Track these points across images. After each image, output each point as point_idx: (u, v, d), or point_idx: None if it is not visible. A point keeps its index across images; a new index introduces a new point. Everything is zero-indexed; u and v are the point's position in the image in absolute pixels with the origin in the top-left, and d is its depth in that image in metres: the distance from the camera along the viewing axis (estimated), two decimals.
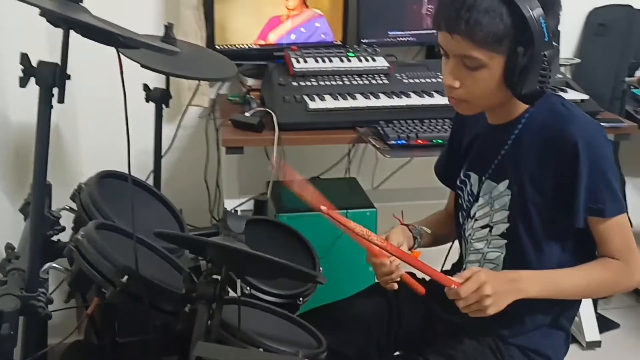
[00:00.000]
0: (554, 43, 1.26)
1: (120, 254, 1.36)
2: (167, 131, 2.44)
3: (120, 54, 1.40)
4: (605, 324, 2.49)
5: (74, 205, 1.67)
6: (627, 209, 1.38)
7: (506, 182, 1.40)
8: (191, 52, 1.72)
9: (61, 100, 1.16)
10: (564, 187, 1.32)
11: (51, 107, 1.18)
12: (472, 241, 1.49)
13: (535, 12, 1.22)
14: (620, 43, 2.48)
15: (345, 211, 2.24)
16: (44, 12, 1.08)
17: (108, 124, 2.45)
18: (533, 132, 1.37)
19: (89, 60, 1.84)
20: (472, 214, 1.49)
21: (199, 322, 1.18)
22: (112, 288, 1.31)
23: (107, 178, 1.68)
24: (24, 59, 1.15)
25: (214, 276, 1.19)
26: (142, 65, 1.60)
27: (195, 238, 1.24)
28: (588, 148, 1.29)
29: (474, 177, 1.49)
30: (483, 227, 1.46)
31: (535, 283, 1.32)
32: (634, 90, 2.45)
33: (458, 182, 1.55)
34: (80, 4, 1.13)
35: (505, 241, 1.42)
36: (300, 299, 1.64)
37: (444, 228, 1.64)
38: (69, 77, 1.17)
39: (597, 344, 2.40)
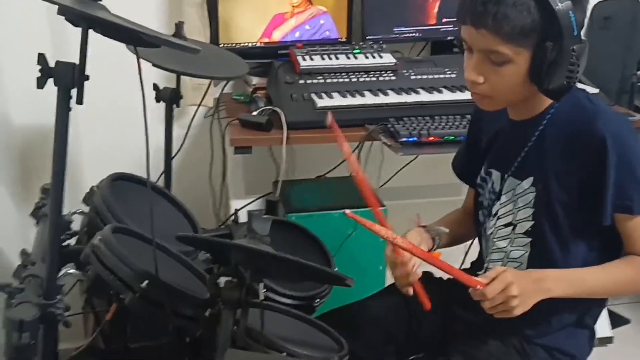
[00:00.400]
0: (582, 38, 1.23)
1: (138, 259, 1.33)
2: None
3: (133, 53, 1.38)
4: (616, 320, 2.48)
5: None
6: None
7: (530, 179, 1.38)
8: (202, 51, 1.67)
9: (80, 101, 1.13)
10: (591, 183, 1.30)
11: (69, 109, 1.15)
12: (494, 240, 1.47)
13: (564, 5, 1.19)
14: (625, 36, 2.47)
15: (355, 210, 2.22)
16: (63, 10, 1.04)
17: (111, 124, 2.43)
18: (558, 128, 1.35)
19: (93, 59, 1.81)
20: (494, 212, 1.46)
21: (225, 328, 1.15)
22: (131, 294, 1.28)
23: (119, 180, 1.64)
24: (41, 59, 1.12)
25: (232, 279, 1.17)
26: (154, 65, 1.56)
27: (220, 241, 1.21)
28: (616, 142, 1.27)
29: (495, 175, 1.46)
30: (506, 226, 1.43)
31: (561, 282, 1.30)
32: None
33: (479, 180, 1.53)
34: (99, 2, 1.10)
35: (530, 239, 1.40)
36: (317, 300, 1.62)
37: (462, 227, 1.61)
38: (87, 77, 1.14)
39: (609, 340, 2.39)
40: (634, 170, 1.30)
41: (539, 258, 1.39)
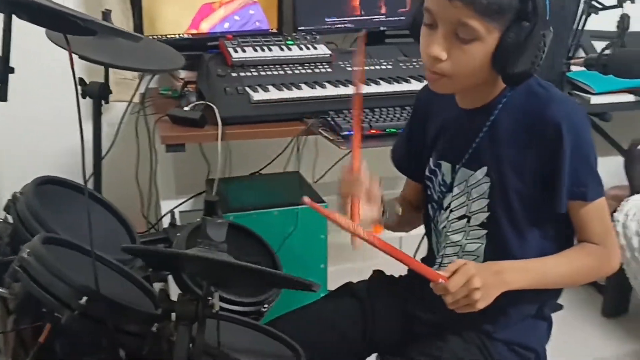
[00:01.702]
0: (550, 27, 1.20)
1: (74, 272, 1.19)
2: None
3: (55, 43, 1.24)
4: None
5: None
6: None
7: (484, 169, 1.34)
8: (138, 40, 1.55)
9: (3, 98, 0.99)
10: (546, 170, 1.27)
11: None
12: (447, 234, 1.42)
13: None
14: (553, 27, 2.49)
15: (295, 207, 2.15)
16: None
17: (30, 123, 2.25)
18: (511, 115, 1.31)
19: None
20: (445, 205, 1.42)
21: (181, 345, 1.05)
22: (69, 312, 1.15)
23: (45, 184, 1.49)
24: None
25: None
26: (82, 57, 1.42)
27: (172, 252, 1.10)
28: (571, 129, 1.24)
29: (445, 166, 1.41)
30: (460, 218, 1.39)
31: (520, 274, 1.27)
32: (568, 74, 2.48)
33: (427, 172, 1.47)
34: None
35: (486, 231, 1.36)
36: (265, 305, 1.53)
37: (406, 214, 1.55)
38: (12, 70, 1.00)
39: None
40: (588, 156, 1.28)
41: (495, 250, 1.36)
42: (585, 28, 2.50)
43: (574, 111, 1.28)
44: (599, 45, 2.58)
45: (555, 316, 1.50)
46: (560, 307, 1.82)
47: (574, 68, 2.45)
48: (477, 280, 1.19)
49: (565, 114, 1.26)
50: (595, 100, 2.43)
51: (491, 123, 1.32)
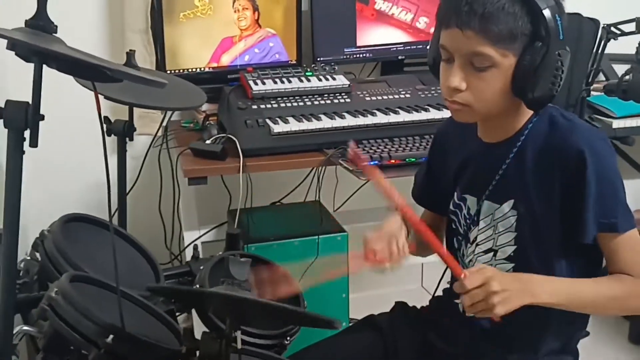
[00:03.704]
0: (566, 46, 1.21)
1: (100, 310, 1.22)
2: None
3: (82, 84, 1.28)
4: None
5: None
6: None
7: (511, 202, 1.33)
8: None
9: (34, 144, 1.02)
10: (572, 201, 1.25)
11: (23, 152, 1.03)
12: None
13: (551, 8, 1.17)
14: (572, 51, 2.49)
15: (316, 237, 2.16)
16: (14, 44, 0.94)
17: (56, 162, 2.29)
18: (535, 147, 1.30)
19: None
20: (471, 238, 1.42)
21: None
22: (95, 350, 1.17)
23: (72, 222, 1.52)
24: None
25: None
26: (107, 98, 1.46)
27: (197, 291, 1.12)
28: (594, 157, 1.23)
29: (470, 200, 1.42)
30: (486, 252, 1.39)
31: (548, 287, 1.23)
32: (589, 98, 2.48)
33: (452, 207, 1.48)
34: (54, 35, 0.99)
35: (513, 264, 1.35)
36: (288, 338, 1.54)
37: (424, 246, 1.55)
38: (42, 117, 1.03)
39: None
40: (614, 184, 1.26)
41: None
42: (606, 52, 2.51)
43: (597, 139, 1.27)
44: (619, 68, 2.58)
45: (582, 342, 1.47)
46: (587, 333, 1.79)
47: (594, 93, 2.45)
48: (496, 283, 1.16)
49: (588, 141, 1.25)
50: (617, 124, 2.42)
51: (515, 155, 1.32)
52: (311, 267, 2.15)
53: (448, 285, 1.55)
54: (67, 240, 1.43)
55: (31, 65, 1.01)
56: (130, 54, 1.65)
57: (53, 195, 2.29)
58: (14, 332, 1.19)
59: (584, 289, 1.27)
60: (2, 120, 1.02)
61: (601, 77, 2.66)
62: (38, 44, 0.92)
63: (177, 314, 1.65)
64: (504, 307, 1.17)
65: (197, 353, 1.14)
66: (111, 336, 1.16)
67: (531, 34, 1.19)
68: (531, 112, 1.31)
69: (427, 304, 1.59)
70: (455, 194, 1.46)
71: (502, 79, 1.22)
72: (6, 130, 1.03)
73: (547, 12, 1.17)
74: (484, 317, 1.22)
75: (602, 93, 2.24)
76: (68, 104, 2.04)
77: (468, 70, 1.22)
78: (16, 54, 0.98)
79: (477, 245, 1.41)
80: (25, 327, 1.23)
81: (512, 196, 1.33)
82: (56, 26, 1.03)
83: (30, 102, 1.01)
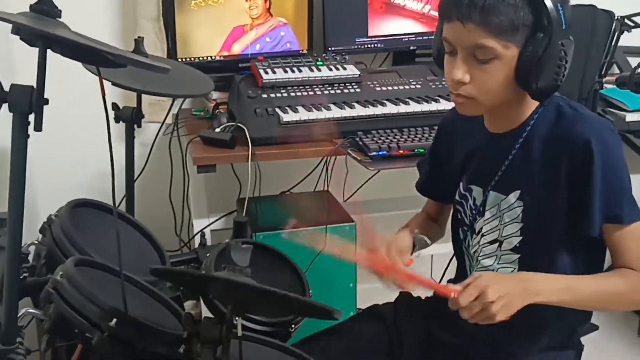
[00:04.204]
0: (570, 36, 1.20)
1: (105, 293, 1.23)
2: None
3: (89, 71, 1.29)
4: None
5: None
6: None
7: (517, 192, 1.33)
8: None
9: (38, 128, 1.03)
10: (578, 192, 1.25)
11: (27, 136, 1.05)
12: (479, 258, 1.42)
13: None
14: (585, 43, 2.47)
15: (324, 227, 2.16)
16: (18, 29, 0.95)
17: (65, 148, 2.31)
18: (541, 136, 1.30)
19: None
20: (477, 229, 1.42)
21: None
22: (99, 333, 1.18)
23: (79, 207, 1.53)
24: None
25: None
26: (114, 84, 1.46)
27: (197, 274, 1.13)
28: (601, 147, 1.22)
29: (476, 191, 1.41)
30: (491, 243, 1.38)
31: (552, 285, 1.22)
32: (602, 91, 2.45)
33: (458, 197, 1.47)
34: (58, 19, 1.00)
35: (518, 255, 1.35)
36: (292, 326, 1.54)
37: (432, 233, 1.56)
38: (47, 101, 1.04)
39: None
40: (621, 176, 1.25)
41: None
42: (620, 44, 2.48)
43: (604, 128, 1.26)
44: (633, 61, 2.55)
45: (590, 337, 1.46)
46: (595, 327, 1.79)
47: (607, 85, 2.43)
48: (491, 292, 1.15)
49: (595, 130, 1.24)
50: (630, 117, 2.40)
51: (521, 145, 1.31)
52: (318, 257, 2.17)
53: (454, 277, 1.56)
54: (74, 225, 1.45)
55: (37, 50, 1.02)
56: (139, 41, 1.66)
57: (62, 181, 2.31)
58: (20, 314, 1.21)
59: (586, 286, 1.26)
60: (7, 105, 1.04)
61: (615, 69, 2.64)
62: (42, 28, 0.93)
63: (185, 300, 1.67)
64: (505, 313, 1.16)
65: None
66: (115, 320, 1.17)
67: (533, 25, 1.18)
68: (537, 103, 1.30)
69: (432, 295, 1.59)
70: (461, 184, 1.46)
71: (506, 70, 1.21)
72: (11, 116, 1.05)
73: (548, 2, 1.16)
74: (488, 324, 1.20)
75: (615, 86, 2.22)
76: (78, 90, 2.05)
77: (471, 63, 1.22)
78: (21, 39, 0.99)
79: (482, 236, 1.40)
80: (31, 310, 1.24)
81: (518, 187, 1.33)
82: (60, 11, 1.04)
83: (35, 86, 1.02)
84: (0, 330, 1.15)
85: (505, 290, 1.16)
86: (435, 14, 2.46)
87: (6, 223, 1.45)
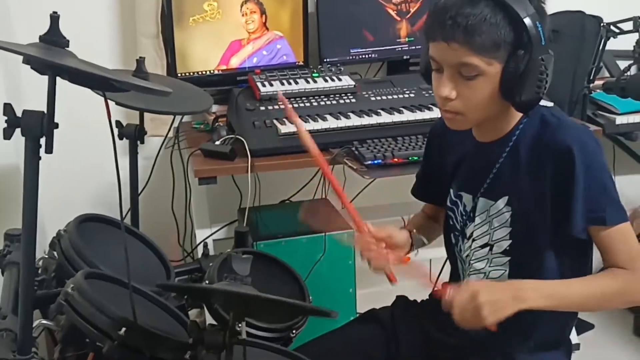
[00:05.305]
0: (549, 50, 1.26)
1: (114, 304, 1.29)
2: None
3: (95, 93, 1.35)
4: (580, 326, 2.53)
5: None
6: None
7: (505, 198, 1.39)
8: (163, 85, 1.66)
9: (49, 150, 1.09)
10: (561, 196, 1.30)
11: (39, 158, 1.11)
12: (471, 262, 1.48)
13: (532, 15, 1.22)
14: (574, 49, 2.54)
15: (323, 235, 2.23)
16: (28, 60, 1.01)
17: (71, 165, 2.37)
18: (527, 145, 1.36)
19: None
20: (467, 234, 1.48)
21: None
22: (109, 342, 1.24)
23: (86, 222, 1.60)
24: (8, 109, 1.08)
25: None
26: (118, 104, 1.53)
27: (200, 287, 1.19)
28: (582, 153, 1.28)
29: (466, 197, 1.48)
30: (482, 247, 1.44)
31: (539, 291, 1.27)
32: (592, 94, 2.51)
33: (449, 203, 1.54)
34: (67, 48, 1.07)
35: (508, 258, 1.41)
36: (293, 331, 1.60)
37: (431, 232, 1.63)
38: (57, 125, 1.10)
39: (576, 346, 2.43)
40: (602, 180, 1.30)
41: (519, 276, 1.38)
42: (609, 48, 2.54)
43: (585, 136, 1.32)
44: (623, 64, 2.61)
45: (586, 335, 1.50)
46: (591, 326, 1.86)
47: (597, 89, 2.49)
48: (482, 296, 1.21)
49: (576, 137, 1.30)
50: (620, 120, 2.46)
51: (508, 154, 1.38)
52: (318, 264, 2.23)
53: (448, 281, 1.62)
54: (82, 239, 1.51)
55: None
56: (140, 61, 1.73)
57: (70, 196, 2.38)
58: (34, 325, 1.27)
59: (575, 290, 1.32)
60: (19, 129, 1.10)
61: (605, 73, 2.70)
62: (51, 58, 1.00)
63: (189, 309, 1.73)
64: (495, 317, 1.22)
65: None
66: (124, 329, 1.24)
67: (514, 42, 1.24)
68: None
69: (428, 297, 1.64)
70: (452, 191, 1.52)
71: (490, 85, 1.27)
72: (20, 136, 1.11)
73: (527, 21, 1.22)
74: (478, 328, 1.26)
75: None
76: (83, 109, 2.11)
77: (457, 80, 1.28)
78: (32, 68, 1.06)
79: (473, 240, 1.46)
80: (44, 321, 1.31)
81: (506, 193, 1.39)
82: (68, 41, 1.10)
83: (45, 112, 1.08)
84: (16, 341, 1.21)
85: (495, 295, 1.24)
86: None
87: (18, 239, 1.52)
